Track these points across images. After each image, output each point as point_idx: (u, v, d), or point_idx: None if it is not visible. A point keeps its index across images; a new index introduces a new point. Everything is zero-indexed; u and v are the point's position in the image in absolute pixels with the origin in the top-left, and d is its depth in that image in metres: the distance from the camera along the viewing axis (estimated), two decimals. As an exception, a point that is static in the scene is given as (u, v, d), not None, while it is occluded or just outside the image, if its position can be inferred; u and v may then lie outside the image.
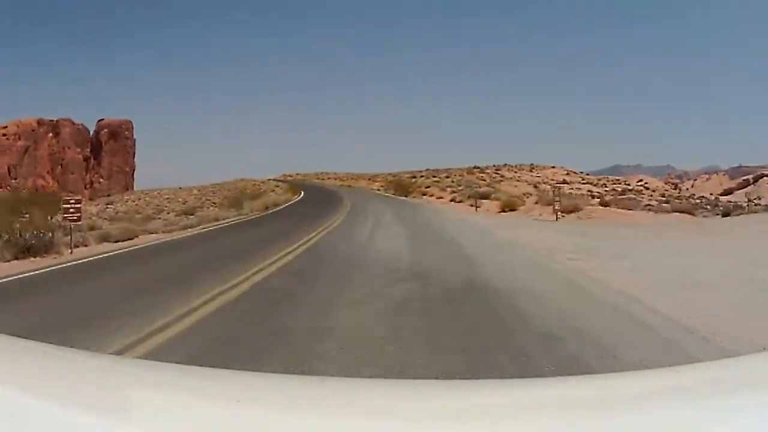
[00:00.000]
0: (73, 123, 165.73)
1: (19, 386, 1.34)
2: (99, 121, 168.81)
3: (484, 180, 72.52)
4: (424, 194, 48.55)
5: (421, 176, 78.80)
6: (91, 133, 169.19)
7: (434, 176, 78.47)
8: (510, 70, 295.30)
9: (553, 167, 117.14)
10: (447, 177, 76.57)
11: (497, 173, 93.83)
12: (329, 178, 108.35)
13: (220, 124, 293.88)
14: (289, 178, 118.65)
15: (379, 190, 63.99)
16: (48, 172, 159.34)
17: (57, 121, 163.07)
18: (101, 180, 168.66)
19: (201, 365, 1.85)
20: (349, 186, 75.98)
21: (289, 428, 1.22)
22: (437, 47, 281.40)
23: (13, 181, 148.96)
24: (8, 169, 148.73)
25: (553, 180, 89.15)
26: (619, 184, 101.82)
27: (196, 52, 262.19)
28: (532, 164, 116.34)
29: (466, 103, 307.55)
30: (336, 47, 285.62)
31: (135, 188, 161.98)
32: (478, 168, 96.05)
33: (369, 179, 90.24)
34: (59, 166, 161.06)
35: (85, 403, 1.29)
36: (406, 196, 46.22)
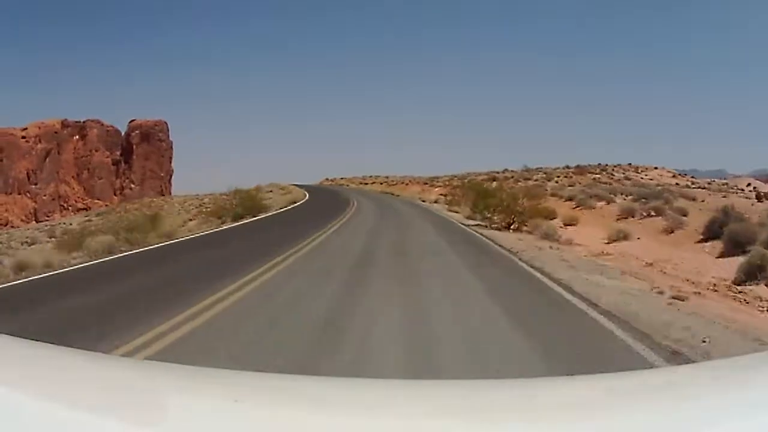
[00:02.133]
0: (102, 124, 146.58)
1: (23, 387, 1.30)
2: (130, 122, 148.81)
3: (609, 184, 43.68)
4: (566, 224, 19.90)
5: (506, 178, 49.21)
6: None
7: (527, 178, 48.98)
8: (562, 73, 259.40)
9: (656, 168, 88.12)
10: (549, 179, 47.11)
11: (608, 173, 64.76)
12: (373, 183, 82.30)
13: (275, 127, 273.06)
14: (326, 182, 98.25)
15: (437, 201, 36.29)
16: (73, 177, 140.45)
17: (84, 122, 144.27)
18: (132, 185, 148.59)
19: None
20: (392, 194, 48.16)
21: (289, 428, 1.19)
22: (494, 45, 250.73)
23: (33, 186, 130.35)
24: (27, 174, 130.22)
25: (665, 183, 60.40)
26: (730, 188, 73.20)
27: (257, 56, 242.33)
28: (630, 164, 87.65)
29: (531, 100, 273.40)
30: (392, 37, 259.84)
31: (172, 193, 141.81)
32: (582, 168, 65.62)
33: (425, 183, 61.87)
34: (86, 171, 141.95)
35: (86, 403, 1.26)
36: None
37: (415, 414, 1.30)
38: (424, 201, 36.72)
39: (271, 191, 61.63)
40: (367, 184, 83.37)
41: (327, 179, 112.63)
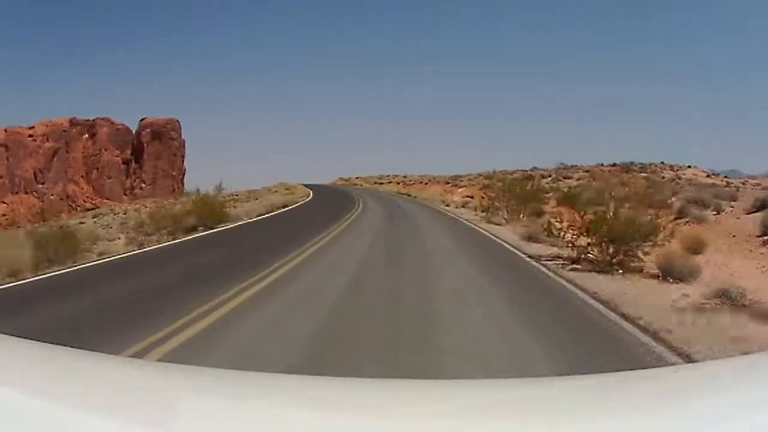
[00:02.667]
0: (113, 122, 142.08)
1: (23, 387, 1.29)
2: (141, 120, 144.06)
3: (666, 180, 36.57)
4: (688, 250, 11.59)
5: (545, 177, 42.05)
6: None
7: (566, 177, 41.62)
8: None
9: (689, 166, 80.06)
10: (594, 179, 39.87)
11: (652, 172, 57.55)
12: (389, 182, 75.64)
13: (292, 126, 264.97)
14: (339, 182, 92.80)
15: (464, 205, 29.16)
16: (82, 177, 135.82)
17: (94, 120, 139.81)
18: (143, 185, 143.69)
19: None
20: (409, 195, 41.24)
21: (291, 428, 1.18)
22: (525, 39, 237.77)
23: (40, 186, 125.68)
24: (34, 173, 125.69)
25: (712, 184, 53.07)
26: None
27: (281, 53, 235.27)
28: (662, 162, 79.42)
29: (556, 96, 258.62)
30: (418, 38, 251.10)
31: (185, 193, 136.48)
32: (627, 165, 58.38)
33: (446, 183, 54.60)
34: (95, 170, 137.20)
35: (86, 403, 1.25)
36: None
37: (417, 414, 1.27)
38: (447, 205, 29.46)
39: (276, 191, 55.61)
40: (382, 183, 76.78)
41: (341, 178, 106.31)
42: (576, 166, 56.44)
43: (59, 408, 1.18)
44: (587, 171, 46.84)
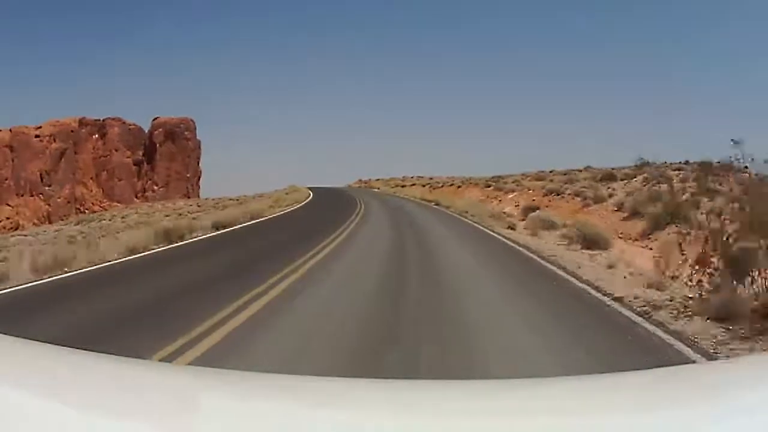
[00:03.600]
0: (124, 122, 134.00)
1: (23, 387, 1.29)
2: (153, 119, 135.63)
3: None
4: None
5: (625, 177, 29.50)
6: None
7: (663, 179, 28.90)
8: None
9: (746, 167, 65.78)
10: (699, 183, 27.29)
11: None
12: (413, 185, 64.36)
13: (316, 127, 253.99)
14: (356, 185, 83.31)
15: (549, 229, 17.73)
16: (92, 179, 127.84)
17: (104, 120, 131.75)
18: (156, 187, 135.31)
19: None
20: (437, 204, 29.59)
21: (292, 427, 1.18)
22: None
23: (47, 188, 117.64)
24: (40, 175, 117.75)
25: None
26: None
27: (305, 53, 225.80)
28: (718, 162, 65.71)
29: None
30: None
31: (201, 196, 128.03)
32: (693, 164, 43.52)
33: (486, 186, 42.62)
34: (105, 172, 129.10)
35: (86, 403, 1.24)
36: None
37: (419, 415, 1.27)
38: (513, 228, 17.56)
39: (269, 197, 46.46)
40: (404, 186, 65.38)
41: (360, 180, 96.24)
42: (650, 163, 44.30)
43: (59, 408, 1.16)
44: (677, 170, 34.78)
